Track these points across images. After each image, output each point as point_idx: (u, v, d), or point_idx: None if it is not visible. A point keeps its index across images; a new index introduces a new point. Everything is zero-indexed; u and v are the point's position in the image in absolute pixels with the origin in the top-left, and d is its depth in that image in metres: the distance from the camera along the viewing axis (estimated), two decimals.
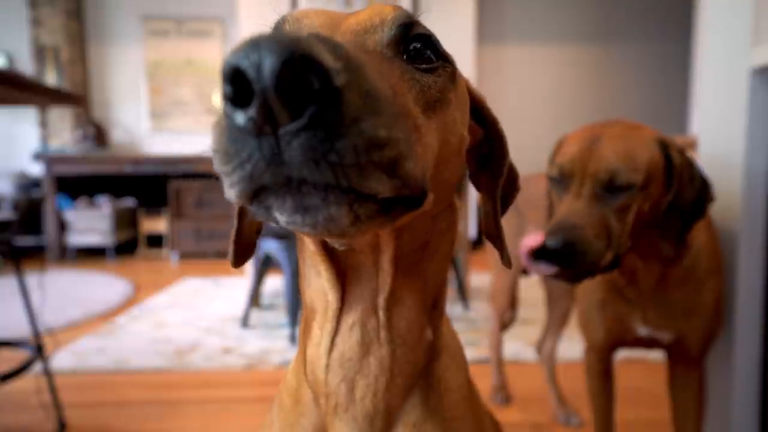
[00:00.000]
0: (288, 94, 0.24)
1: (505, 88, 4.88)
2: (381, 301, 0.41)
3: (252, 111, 0.24)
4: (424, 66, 0.36)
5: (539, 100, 4.94)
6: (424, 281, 0.43)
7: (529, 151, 4.58)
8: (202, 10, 4.71)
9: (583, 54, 4.92)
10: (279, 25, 0.39)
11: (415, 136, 0.30)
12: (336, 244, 0.38)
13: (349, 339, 0.41)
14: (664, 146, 0.83)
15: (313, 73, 0.24)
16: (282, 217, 0.28)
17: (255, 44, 0.24)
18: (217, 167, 0.28)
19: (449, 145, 0.37)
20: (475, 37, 3.90)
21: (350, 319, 0.41)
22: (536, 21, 4.86)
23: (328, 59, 0.24)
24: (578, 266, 0.78)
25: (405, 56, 0.36)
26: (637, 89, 4.95)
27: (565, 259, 0.78)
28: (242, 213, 0.48)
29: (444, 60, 0.38)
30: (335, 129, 0.25)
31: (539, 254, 0.80)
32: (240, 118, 0.25)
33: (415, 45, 0.36)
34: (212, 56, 4.74)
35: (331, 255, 0.40)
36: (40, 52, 4.47)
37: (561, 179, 0.85)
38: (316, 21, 0.37)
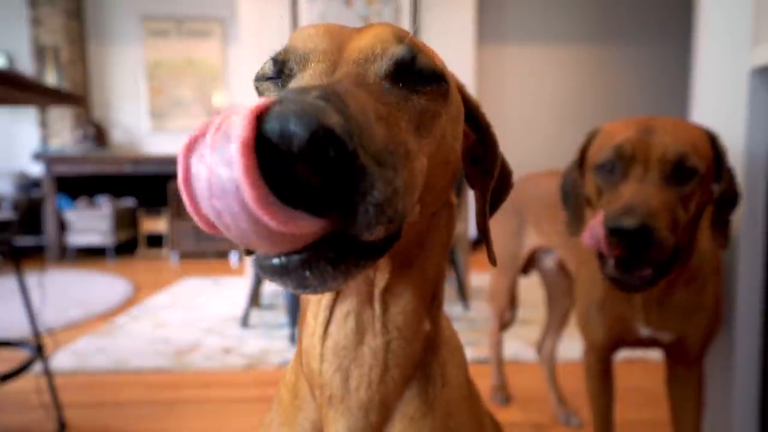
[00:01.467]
0: (312, 162, 0.26)
1: (505, 88, 4.87)
2: (377, 292, 0.42)
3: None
4: (419, 88, 0.38)
5: (539, 100, 4.93)
6: (422, 274, 0.44)
7: (529, 150, 4.59)
8: (202, 10, 4.71)
9: (584, 54, 4.92)
10: (287, 50, 0.40)
11: (404, 164, 0.32)
12: None
13: (343, 327, 0.42)
14: (713, 139, 0.84)
15: (331, 145, 0.26)
16: (282, 286, 0.31)
17: (284, 118, 0.26)
18: None
19: (439, 156, 0.39)
20: (475, 37, 3.89)
21: (345, 308, 0.42)
22: (536, 21, 4.86)
23: (341, 129, 0.26)
24: (648, 256, 0.73)
25: (401, 84, 0.37)
26: (637, 89, 4.95)
27: (638, 244, 0.71)
28: None
29: (439, 81, 0.39)
30: (351, 187, 0.27)
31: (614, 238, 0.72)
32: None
33: (412, 71, 0.38)
34: (212, 56, 4.74)
35: None
36: (40, 52, 4.47)
37: (616, 163, 0.80)
38: (320, 46, 0.39)
